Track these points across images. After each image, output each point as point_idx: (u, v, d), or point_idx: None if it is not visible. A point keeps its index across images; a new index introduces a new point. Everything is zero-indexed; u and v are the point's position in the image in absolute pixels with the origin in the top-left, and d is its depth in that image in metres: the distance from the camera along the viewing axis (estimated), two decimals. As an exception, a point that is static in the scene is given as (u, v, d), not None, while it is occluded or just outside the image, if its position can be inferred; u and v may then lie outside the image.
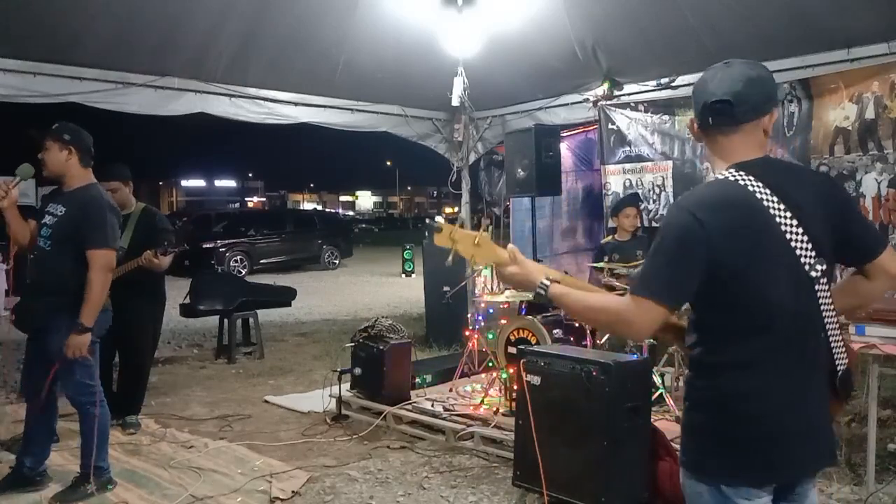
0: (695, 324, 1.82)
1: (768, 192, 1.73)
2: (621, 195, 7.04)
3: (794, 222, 1.73)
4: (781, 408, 1.74)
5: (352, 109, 7.63)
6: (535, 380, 3.84)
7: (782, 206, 1.73)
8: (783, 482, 1.80)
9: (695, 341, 1.81)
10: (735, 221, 1.71)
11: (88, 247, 3.67)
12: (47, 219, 3.80)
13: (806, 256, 1.75)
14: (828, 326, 1.79)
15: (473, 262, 2.03)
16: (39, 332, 3.82)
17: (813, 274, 1.76)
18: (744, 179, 1.75)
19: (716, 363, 1.77)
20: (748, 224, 1.72)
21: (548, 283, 1.91)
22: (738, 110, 1.77)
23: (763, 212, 1.72)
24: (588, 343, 5.01)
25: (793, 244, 1.73)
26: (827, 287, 1.79)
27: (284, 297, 8.57)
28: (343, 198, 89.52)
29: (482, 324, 5.84)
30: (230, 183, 71.11)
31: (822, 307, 1.78)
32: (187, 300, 7.73)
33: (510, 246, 2.00)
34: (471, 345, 5.80)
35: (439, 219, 2.01)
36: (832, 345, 1.81)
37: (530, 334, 5.05)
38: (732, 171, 1.77)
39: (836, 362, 1.82)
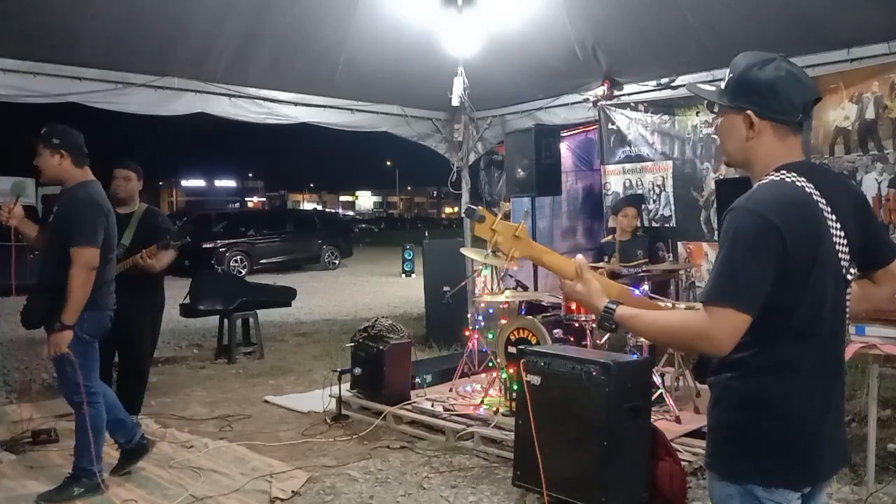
0: (754, 325, 1.71)
1: (818, 194, 1.74)
2: (621, 195, 7.04)
3: (838, 225, 1.75)
4: (818, 409, 1.75)
5: (352, 109, 7.62)
6: (535, 380, 3.84)
7: (829, 209, 1.74)
8: (817, 483, 1.80)
9: (747, 342, 1.70)
10: (801, 224, 1.69)
11: (71, 244, 3.67)
12: (51, 218, 3.90)
13: (844, 259, 1.77)
14: (847, 329, 1.84)
15: (512, 256, 1.94)
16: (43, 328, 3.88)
17: (848, 277, 1.79)
18: (799, 181, 1.74)
19: (764, 364, 1.72)
20: (811, 226, 1.71)
21: (613, 307, 1.84)
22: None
23: (820, 214, 1.73)
24: (588, 343, 5.01)
25: (837, 247, 1.75)
26: (850, 290, 1.83)
27: (284, 297, 8.57)
28: (343, 198, 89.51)
29: (482, 324, 5.84)
30: (230, 183, 71.13)
31: (846, 310, 1.82)
32: (187, 300, 7.73)
33: (578, 257, 1.96)
34: (471, 345, 5.81)
35: (481, 208, 1.95)
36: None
37: (530, 334, 5.05)
38: (784, 172, 1.75)
39: None
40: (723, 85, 1.86)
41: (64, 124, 3.91)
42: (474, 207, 1.94)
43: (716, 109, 1.89)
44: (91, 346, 3.85)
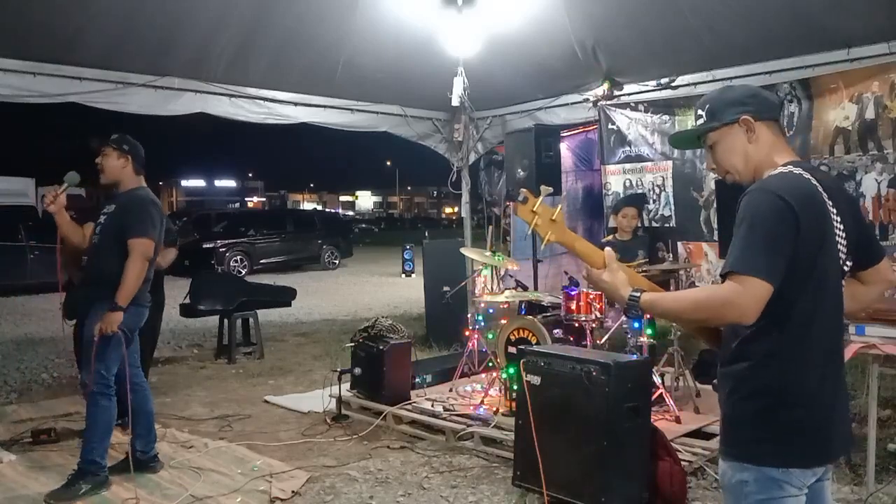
0: (762, 312, 1.77)
1: (821, 188, 1.84)
2: (621, 195, 7.04)
3: (839, 219, 1.86)
4: (828, 394, 1.84)
5: (352, 109, 7.62)
6: (535, 380, 3.85)
7: (831, 203, 1.85)
8: (828, 463, 1.90)
9: (758, 330, 1.79)
10: (811, 211, 1.79)
11: (129, 236, 3.93)
12: (101, 218, 4.15)
13: (843, 252, 1.88)
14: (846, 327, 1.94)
15: (547, 239, 2.02)
16: (83, 320, 4.05)
17: (845, 269, 1.91)
18: (805, 175, 1.85)
19: (775, 353, 1.81)
20: (819, 215, 1.82)
21: (637, 294, 1.90)
22: None
23: (825, 206, 1.84)
24: (588, 343, 5.01)
25: (838, 238, 1.86)
26: (844, 283, 1.94)
27: (284, 296, 8.57)
28: (343, 198, 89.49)
29: (482, 324, 5.84)
30: (230, 183, 70.98)
31: (842, 301, 1.92)
32: (187, 300, 7.73)
33: (608, 250, 2.03)
34: (471, 345, 5.81)
35: (524, 190, 2.06)
36: None
37: (530, 334, 5.05)
38: (791, 167, 1.87)
39: None
40: (703, 120, 1.99)
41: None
42: (521, 192, 2.04)
43: (709, 142, 1.99)
44: (120, 343, 3.96)
